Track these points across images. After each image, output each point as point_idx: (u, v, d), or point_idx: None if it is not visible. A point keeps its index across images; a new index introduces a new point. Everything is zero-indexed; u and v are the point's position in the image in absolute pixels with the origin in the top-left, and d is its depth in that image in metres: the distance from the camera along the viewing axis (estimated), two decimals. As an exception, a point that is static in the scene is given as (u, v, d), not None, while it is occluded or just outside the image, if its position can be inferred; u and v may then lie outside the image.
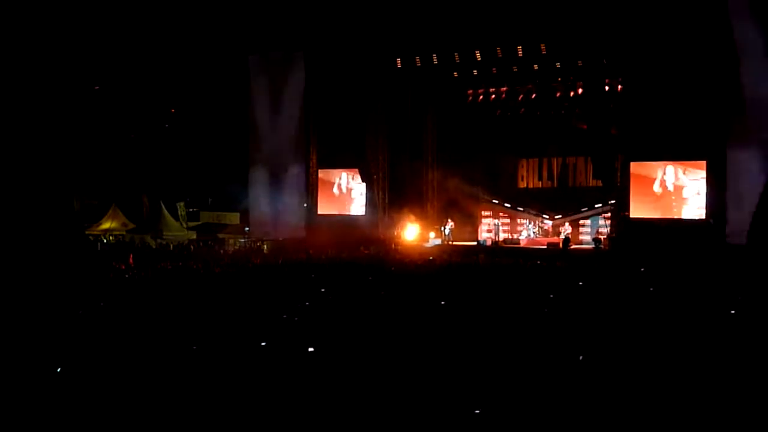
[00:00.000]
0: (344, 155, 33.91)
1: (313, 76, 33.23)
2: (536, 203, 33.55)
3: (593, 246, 29.76)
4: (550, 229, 32.79)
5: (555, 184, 34.03)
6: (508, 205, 34.26)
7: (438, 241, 32.50)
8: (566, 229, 31.43)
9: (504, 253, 28.97)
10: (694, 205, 26.92)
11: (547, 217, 32.96)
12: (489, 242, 32.45)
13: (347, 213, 34.33)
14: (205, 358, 8.89)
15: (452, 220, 33.17)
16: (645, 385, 7.68)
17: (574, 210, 32.35)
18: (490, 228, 34.33)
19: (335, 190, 34.68)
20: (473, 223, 34.71)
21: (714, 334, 10.32)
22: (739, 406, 6.98)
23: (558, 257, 27.14)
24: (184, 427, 6.57)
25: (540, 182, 34.45)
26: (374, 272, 20.65)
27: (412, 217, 33.17)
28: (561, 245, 29.54)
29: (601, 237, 29.99)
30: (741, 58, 23.55)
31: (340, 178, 34.56)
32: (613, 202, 29.52)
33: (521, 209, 33.90)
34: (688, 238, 25.85)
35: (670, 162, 27.13)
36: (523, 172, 34.90)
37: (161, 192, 38.04)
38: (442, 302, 13.66)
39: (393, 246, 31.42)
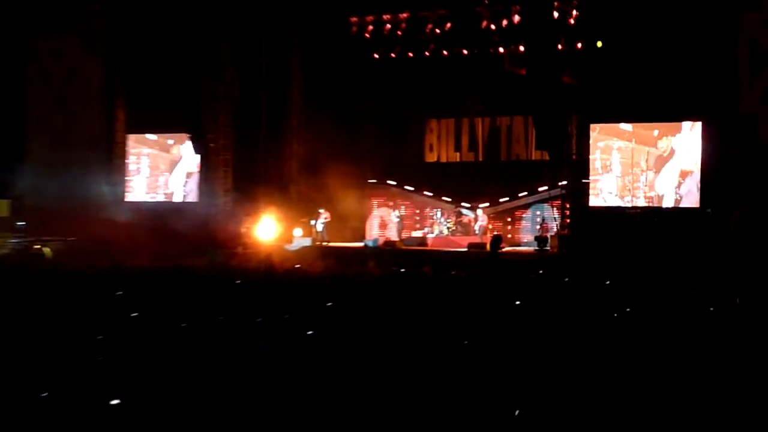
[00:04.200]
0: (167, 116, 30.00)
1: (118, 10, 30.33)
2: (452, 185, 29.92)
3: (536, 248, 26.91)
4: (472, 224, 28.96)
5: (480, 157, 30.16)
6: (411, 188, 30.68)
7: (307, 241, 28.91)
8: (491, 223, 28.80)
9: (403, 257, 26.22)
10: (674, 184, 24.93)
11: (468, 205, 29.31)
12: (381, 242, 29.28)
13: (171, 200, 31.16)
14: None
15: (327, 210, 29.25)
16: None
17: (507, 195, 29.04)
18: (385, 221, 31.33)
19: (154, 164, 31.32)
20: (359, 215, 30.92)
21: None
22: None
23: (483, 264, 24.48)
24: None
25: (458, 153, 30.40)
26: (211, 286, 18.99)
27: (269, 207, 28.44)
28: (488, 247, 26.34)
29: (548, 235, 27.44)
30: None
31: (161, 148, 31.41)
32: (564, 183, 26.56)
33: (429, 194, 30.38)
34: (675, 233, 23.91)
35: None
36: (432, 138, 30.63)
37: None
38: (310, 332, 12.44)
39: (240, 248, 28.21)
